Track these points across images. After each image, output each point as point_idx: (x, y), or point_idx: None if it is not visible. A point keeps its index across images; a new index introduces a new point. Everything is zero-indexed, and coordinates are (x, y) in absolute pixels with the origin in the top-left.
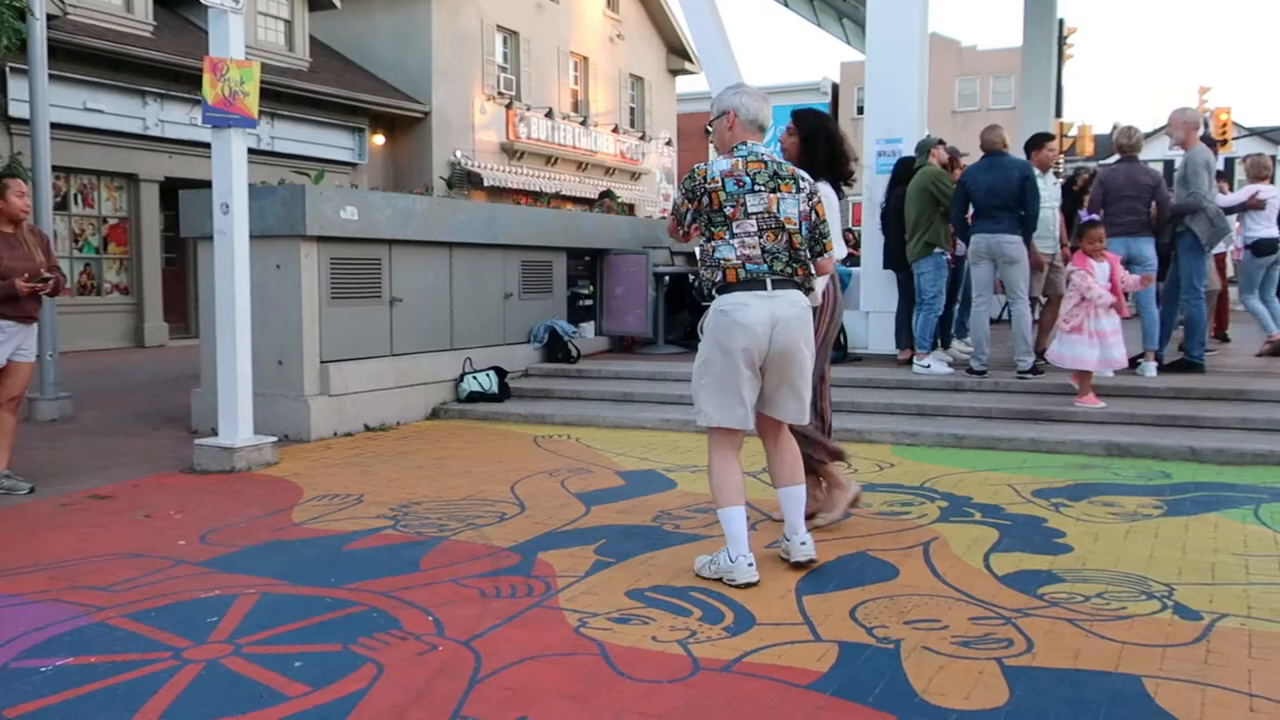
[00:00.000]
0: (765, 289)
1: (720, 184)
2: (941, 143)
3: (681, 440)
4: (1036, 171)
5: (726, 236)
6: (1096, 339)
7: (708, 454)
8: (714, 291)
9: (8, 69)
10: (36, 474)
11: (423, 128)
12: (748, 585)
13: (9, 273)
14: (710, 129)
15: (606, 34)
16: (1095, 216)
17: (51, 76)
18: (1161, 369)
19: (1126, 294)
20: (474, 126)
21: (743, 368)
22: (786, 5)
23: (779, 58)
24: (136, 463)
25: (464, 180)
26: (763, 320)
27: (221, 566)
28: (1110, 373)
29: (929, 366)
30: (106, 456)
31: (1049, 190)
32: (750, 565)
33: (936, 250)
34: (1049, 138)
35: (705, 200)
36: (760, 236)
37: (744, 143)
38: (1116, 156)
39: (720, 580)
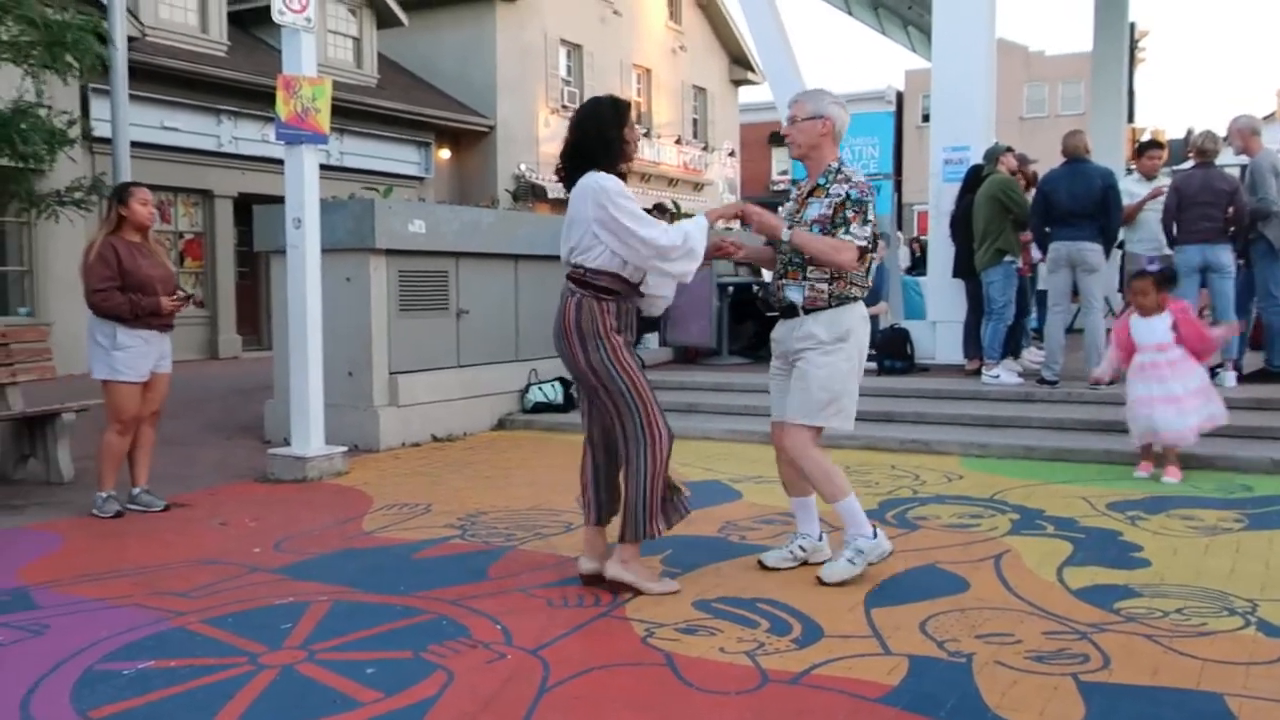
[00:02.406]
0: None
1: None
2: (1010, 149)
3: (747, 451)
4: (1139, 175)
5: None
6: (1147, 406)
7: (806, 456)
8: (837, 301)
9: (90, 90)
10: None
11: (488, 141)
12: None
13: (149, 281)
14: (792, 127)
15: (669, 46)
16: (1149, 267)
17: (131, 97)
18: (1241, 379)
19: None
20: (538, 139)
21: None
22: (850, 14)
23: (843, 66)
24: (212, 472)
25: (529, 193)
26: None
27: (295, 574)
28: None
29: (998, 377)
30: (184, 466)
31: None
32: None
33: (1007, 258)
34: (1158, 145)
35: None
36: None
37: (841, 159)
38: (1194, 161)
39: (870, 566)
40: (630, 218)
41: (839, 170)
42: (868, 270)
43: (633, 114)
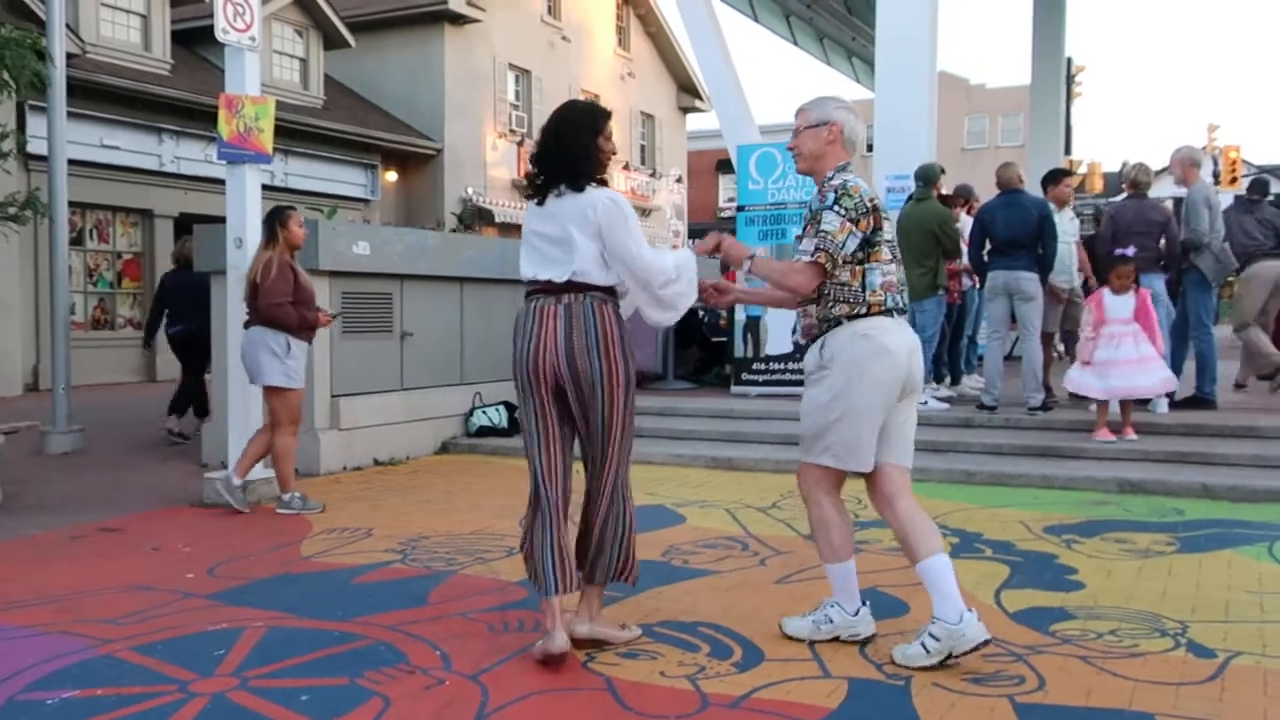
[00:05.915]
0: (896, 318)
1: (878, 202)
2: (943, 171)
3: (690, 475)
4: (1053, 207)
5: (875, 263)
6: (1110, 369)
7: (810, 500)
8: (826, 324)
9: (26, 106)
10: (48, 506)
11: (435, 164)
12: (871, 637)
13: (311, 297)
14: (796, 139)
15: (617, 72)
16: (1127, 252)
17: (70, 114)
18: (1173, 405)
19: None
20: (486, 163)
21: (881, 401)
22: (796, 44)
23: (789, 95)
24: (146, 496)
25: (475, 216)
26: (906, 348)
27: (229, 600)
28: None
29: (925, 403)
30: (116, 489)
31: (1065, 225)
32: (869, 614)
33: (941, 290)
34: (1066, 173)
35: (867, 221)
36: (894, 263)
37: (848, 163)
38: (1127, 193)
39: (836, 640)
40: (639, 243)
41: (830, 179)
42: (863, 283)
43: (609, 122)
